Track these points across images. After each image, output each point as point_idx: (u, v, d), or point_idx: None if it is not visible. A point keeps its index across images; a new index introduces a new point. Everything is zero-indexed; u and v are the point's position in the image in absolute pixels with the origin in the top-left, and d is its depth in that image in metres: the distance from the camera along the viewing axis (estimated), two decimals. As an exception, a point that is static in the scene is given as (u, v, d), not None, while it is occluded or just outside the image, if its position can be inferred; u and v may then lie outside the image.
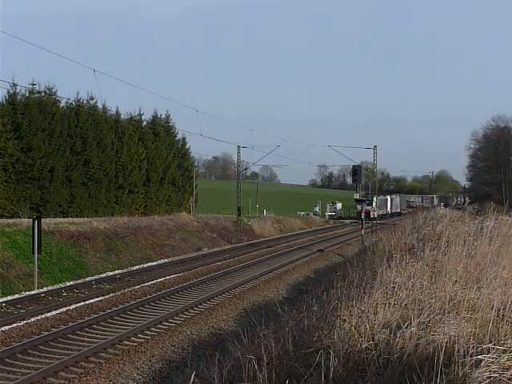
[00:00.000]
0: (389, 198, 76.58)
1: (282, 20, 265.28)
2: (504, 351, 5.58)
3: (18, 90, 36.25)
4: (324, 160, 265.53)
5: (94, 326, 13.69)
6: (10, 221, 27.75)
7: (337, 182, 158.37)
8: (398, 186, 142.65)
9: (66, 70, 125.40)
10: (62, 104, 39.16)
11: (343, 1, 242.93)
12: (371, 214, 60.38)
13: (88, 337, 12.84)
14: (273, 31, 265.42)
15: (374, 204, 61.92)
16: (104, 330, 13.44)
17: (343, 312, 7.61)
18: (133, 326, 13.60)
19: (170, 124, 50.94)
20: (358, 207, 60.35)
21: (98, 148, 39.58)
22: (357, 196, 41.99)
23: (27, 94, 36.83)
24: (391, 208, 75.60)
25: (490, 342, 5.81)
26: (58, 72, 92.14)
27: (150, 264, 26.14)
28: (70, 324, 13.70)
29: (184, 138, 52.33)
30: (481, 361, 5.26)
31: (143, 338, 12.81)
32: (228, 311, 15.96)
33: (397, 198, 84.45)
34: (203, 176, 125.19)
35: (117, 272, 23.32)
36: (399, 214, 77.69)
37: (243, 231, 43.91)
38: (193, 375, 5.34)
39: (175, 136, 51.29)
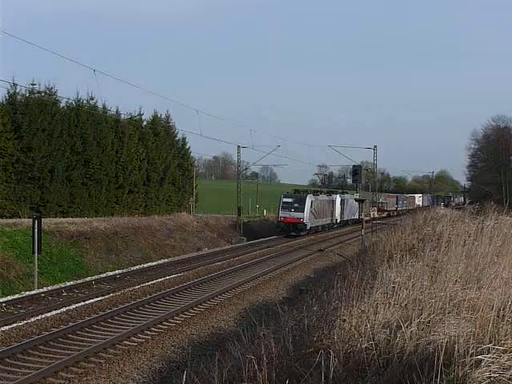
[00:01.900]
0: (337, 198, 48.41)
1: (282, 20, 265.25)
2: (504, 351, 5.57)
3: (18, 90, 36.40)
4: (324, 160, 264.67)
5: (94, 326, 13.69)
6: (10, 221, 27.79)
7: (337, 182, 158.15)
8: (398, 186, 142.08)
9: (66, 70, 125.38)
10: (62, 104, 39.28)
11: (343, 1, 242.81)
12: (310, 223, 39.79)
13: (88, 337, 12.84)
14: (273, 31, 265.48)
15: (307, 209, 39.15)
16: (104, 330, 13.44)
17: (343, 312, 7.60)
18: (133, 326, 13.60)
19: (170, 124, 51.02)
20: (282, 214, 39.48)
21: (98, 148, 39.59)
22: (357, 196, 40.90)
23: (27, 94, 36.89)
24: (342, 214, 49.45)
25: (490, 342, 5.81)
26: (57, 72, 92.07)
27: (150, 264, 26.11)
28: (70, 324, 13.70)
29: (184, 138, 52.43)
30: (481, 361, 5.25)
31: (143, 338, 12.81)
32: (228, 311, 15.96)
33: (353, 199, 53.78)
34: (203, 176, 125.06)
35: (117, 272, 23.30)
36: (357, 221, 53.18)
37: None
38: (184, 375, 5.34)
39: (175, 136, 51.33)
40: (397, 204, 72.19)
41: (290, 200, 39.95)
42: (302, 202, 39.26)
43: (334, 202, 46.84)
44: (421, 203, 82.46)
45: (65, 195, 36.83)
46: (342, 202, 49.44)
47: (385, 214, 65.08)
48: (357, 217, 54.91)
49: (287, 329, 7.60)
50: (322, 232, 43.13)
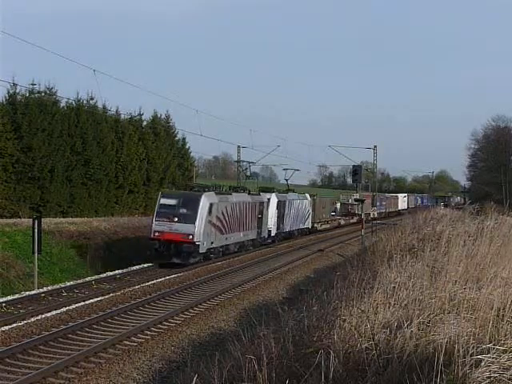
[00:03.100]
0: (272, 198, 33.21)
1: (282, 20, 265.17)
2: (504, 351, 5.58)
3: (18, 90, 36.34)
4: (324, 160, 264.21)
5: (94, 326, 13.68)
6: (10, 221, 27.79)
7: (337, 182, 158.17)
8: (398, 186, 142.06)
9: (66, 70, 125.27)
10: (62, 104, 39.21)
11: (343, 1, 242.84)
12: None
13: (88, 337, 12.84)
14: (273, 31, 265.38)
15: (200, 217, 22.96)
16: (104, 330, 13.44)
17: (343, 312, 7.61)
18: (133, 326, 13.60)
19: (170, 124, 50.97)
20: (156, 226, 23.34)
21: (98, 148, 39.56)
22: (356, 196, 40.16)
23: (27, 94, 36.86)
24: (280, 223, 33.93)
25: (490, 342, 5.82)
26: (57, 72, 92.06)
27: (150, 264, 26.08)
28: (70, 324, 13.69)
29: (184, 138, 52.33)
30: (481, 361, 5.26)
31: (143, 338, 12.82)
32: (228, 311, 15.96)
33: (302, 201, 38.93)
34: (203, 176, 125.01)
35: (117, 272, 23.29)
36: (307, 232, 40.03)
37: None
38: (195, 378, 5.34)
39: (175, 136, 51.29)
40: (376, 207, 58.29)
41: (171, 202, 23.51)
42: (193, 205, 23.16)
43: (263, 204, 30.88)
44: (406, 205, 70.76)
45: (65, 195, 36.80)
46: (281, 205, 33.65)
47: (354, 220, 52.01)
48: (308, 225, 39.96)
49: (287, 329, 7.61)
50: (299, 238, 31.30)
